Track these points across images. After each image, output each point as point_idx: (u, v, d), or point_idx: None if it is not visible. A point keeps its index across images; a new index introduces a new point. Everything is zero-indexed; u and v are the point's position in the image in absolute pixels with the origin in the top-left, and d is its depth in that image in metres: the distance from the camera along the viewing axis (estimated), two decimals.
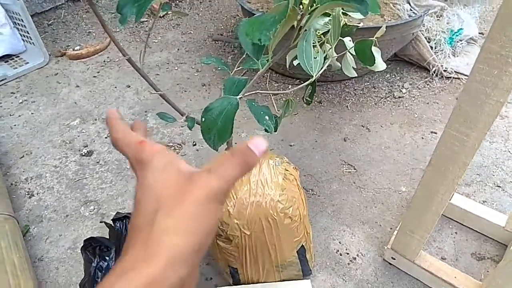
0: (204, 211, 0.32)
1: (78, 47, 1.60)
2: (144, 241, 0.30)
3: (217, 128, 0.50)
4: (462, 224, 0.88)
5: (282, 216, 0.66)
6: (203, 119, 0.51)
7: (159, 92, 0.54)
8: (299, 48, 0.57)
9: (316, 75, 0.57)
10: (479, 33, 1.43)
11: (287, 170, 0.71)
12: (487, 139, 1.07)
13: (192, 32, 1.71)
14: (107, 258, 0.51)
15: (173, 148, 1.12)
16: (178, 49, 1.58)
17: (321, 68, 0.58)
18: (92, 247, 0.54)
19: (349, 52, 0.67)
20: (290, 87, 1.30)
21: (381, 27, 0.62)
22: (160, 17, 1.82)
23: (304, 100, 0.80)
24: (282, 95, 1.26)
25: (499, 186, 0.95)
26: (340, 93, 1.27)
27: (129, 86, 1.38)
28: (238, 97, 0.52)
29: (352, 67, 0.69)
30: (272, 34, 0.39)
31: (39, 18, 1.82)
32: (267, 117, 0.58)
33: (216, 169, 0.34)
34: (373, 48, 0.58)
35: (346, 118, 1.17)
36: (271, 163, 0.70)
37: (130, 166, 0.35)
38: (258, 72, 0.53)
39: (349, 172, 1.01)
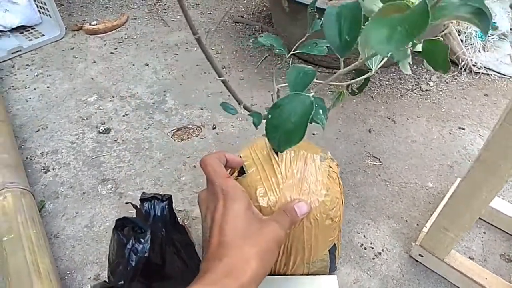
0: (272, 249, 0.47)
1: (95, 22, 1.56)
2: (236, 259, 0.43)
3: (285, 129, 0.45)
4: (491, 224, 0.85)
5: (324, 217, 0.61)
6: (269, 115, 0.46)
7: (221, 78, 0.50)
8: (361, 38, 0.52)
9: (375, 69, 0.53)
10: (510, 28, 1.38)
11: (330, 167, 0.65)
12: None
13: (211, 12, 1.67)
14: (142, 240, 0.48)
15: (192, 130, 1.09)
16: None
17: (381, 61, 0.53)
18: (124, 227, 0.51)
19: (410, 50, 0.63)
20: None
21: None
22: None
23: (350, 90, 0.75)
24: (315, 87, 1.22)
25: None
26: None
27: (147, 65, 1.35)
28: (311, 95, 0.45)
29: (409, 63, 0.65)
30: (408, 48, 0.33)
31: None
32: (321, 111, 0.52)
33: (279, 221, 0.50)
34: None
35: (371, 109, 1.14)
36: (316, 158, 0.65)
37: (211, 188, 0.51)
38: (339, 71, 0.47)
39: (374, 164, 0.98)
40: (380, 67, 1.28)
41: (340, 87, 0.58)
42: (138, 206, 0.59)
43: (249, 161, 0.64)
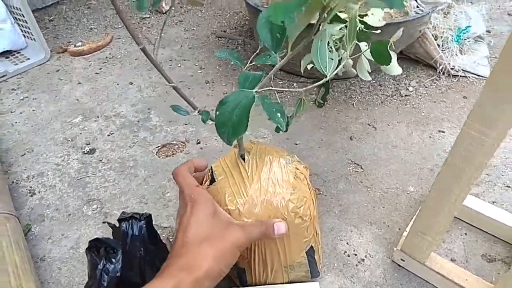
0: (230, 252, 0.52)
1: (79, 43, 1.58)
2: (193, 256, 0.48)
3: (231, 122, 0.49)
4: (471, 225, 0.86)
5: (293, 215, 0.64)
6: (217, 112, 0.49)
7: (172, 84, 0.53)
8: (314, 46, 0.55)
9: (330, 75, 0.55)
10: (486, 31, 1.41)
11: (297, 169, 0.69)
12: None
13: (195, 28, 1.69)
14: (113, 260, 0.49)
15: (176, 146, 1.10)
16: (181, 46, 1.56)
17: (336, 69, 0.56)
18: (97, 248, 0.52)
19: (364, 55, 0.66)
20: (295, 85, 1.29)
21: (396, 23, 0.61)
22: (163, 13, 1.80)
23: (316, 103, 0.78)
24: (287, 93, 1.24)
25: (509, 186, 0.94)
26: (345, 91, 1.25)
27: (132, 83, 1.36)
28: (254, 90, 0.50)
29: (367, 70, 0.68)
30: (296, 16, 0.38)
31: (40, 13, 1.80)
32: (279, 114, 0.56)
33: (247, 228, 0.55)
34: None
35: (352, 117, 1.16)
36: (282, 161, 0.68)
37: (182, 197, 0.58)
38: (276, 66, 0.51)
39: (356, 171, 0.99)
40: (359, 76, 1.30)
41: (300, 93, 0.60)
42: (117, 225, 0.60)
43: (219, 170, 0.67)
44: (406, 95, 1.22)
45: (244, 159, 0.67)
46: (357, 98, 1.23)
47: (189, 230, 0.51)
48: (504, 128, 0.49)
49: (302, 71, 0.68)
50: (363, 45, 0.67)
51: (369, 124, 1.13)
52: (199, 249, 0.48)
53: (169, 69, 1.43)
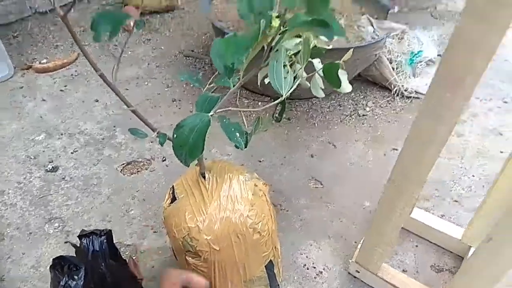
0: None
1: (45, 60, 1.57)
2: None
3: (188, 145, 0.52)
4: (422, 237, 0.92)
5: (251, 231, 0.67)
6: (175, 135, 0.52)
7: (131, 108, 0.55)
8: (270, 67, 0.59)
9: (285, 94, 0.59)
10: (438, 55, 1.51)
11: (256, 186, 0.72)
12: (445, 156, 1.12)
13: (163, 47, 1.72)
14: (75, 277, 0.50)
15: (141, 163, 1.11)
16: (148, 64, 1.58)
17: (291, 88, 0.60)
18: (61, 266, 0.53)
19: (317, 73, 0.70)
20: (260, 104, 1.33)
21: (348, 48, 0.66)
22: (129, 31, 1.82)
23: (274, 117, 0.82)
24: (252, 112, 1.28)
25: (456, 201, 1.01)
26: (307, 110, 1.31)
27: (97, 101, 1.37)
28: (209, 114, 0.53)
29: (320, 87, 0.73)
30: (245, 59, 0.41)
31: (5, 29, 1.77)
32: (237, 134, 0.59)
33: None
34: (340, 71, 0.61)
35: (314, 135, 1.21)
36: (241, 179, 0.71)
37: None
38: (230, 91, 0.55)
39: (316, 187, 1.04)
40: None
41: (258, 112, 0.64)
42: (78, 245, 0.61)
43: (180, 189, 0.70)
44: (363, 115, 1.29)
45: (204, 177, 0.70)
46: (318, 117, 1.28)
47: None
48: (438, 146, 0.55)
49: (258, 84, 0.72)
50: (316, 62, 0.72)
51: (329, 142, 1.18)
52: None
53: (136, 87, 1.44)
